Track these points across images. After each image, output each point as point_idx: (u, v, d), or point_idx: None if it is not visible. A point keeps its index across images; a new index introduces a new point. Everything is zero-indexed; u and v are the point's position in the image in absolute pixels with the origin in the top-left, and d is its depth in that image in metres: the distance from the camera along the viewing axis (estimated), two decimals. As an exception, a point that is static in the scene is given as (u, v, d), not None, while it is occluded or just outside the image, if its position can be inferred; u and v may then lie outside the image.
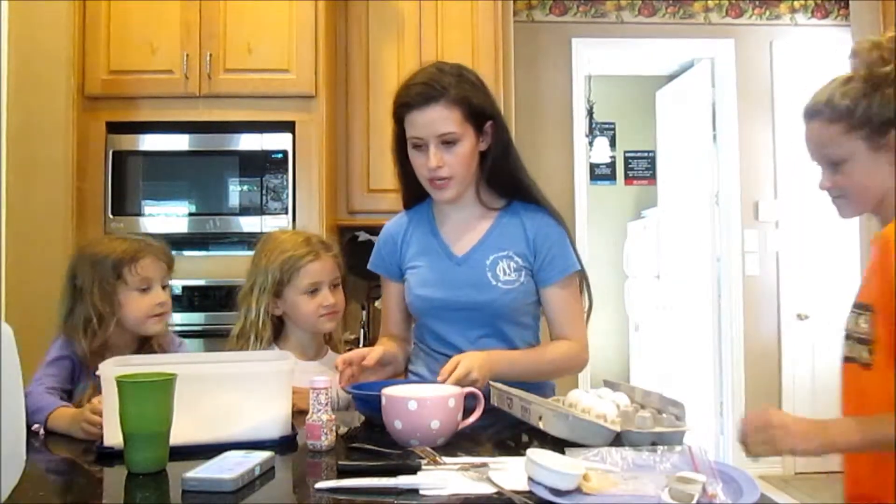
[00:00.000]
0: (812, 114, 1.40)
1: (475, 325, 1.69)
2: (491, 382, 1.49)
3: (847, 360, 1.38)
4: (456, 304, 1.69)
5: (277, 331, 1.83)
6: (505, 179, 1.73)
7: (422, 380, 1.71)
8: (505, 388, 1.46)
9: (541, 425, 1.29)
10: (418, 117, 1.62)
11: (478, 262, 1.70)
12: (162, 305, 1.72)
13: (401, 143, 1.71)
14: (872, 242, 1.37)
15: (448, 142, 1.62)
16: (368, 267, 1.86)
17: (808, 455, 1.36)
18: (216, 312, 2.94)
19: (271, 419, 1.38)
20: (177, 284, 2.90)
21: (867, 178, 1.37)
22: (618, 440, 1.23)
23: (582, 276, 1.76)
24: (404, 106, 1.64)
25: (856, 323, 1.35)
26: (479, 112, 1.65)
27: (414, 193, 1.79)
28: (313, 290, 1.78)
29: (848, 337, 1.38)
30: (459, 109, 1.62)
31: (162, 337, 1.78)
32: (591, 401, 1.36)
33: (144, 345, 1.75)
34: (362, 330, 3.46)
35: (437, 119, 1.61)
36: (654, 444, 1.19)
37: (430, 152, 1.62)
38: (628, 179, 6.61)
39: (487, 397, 1.44)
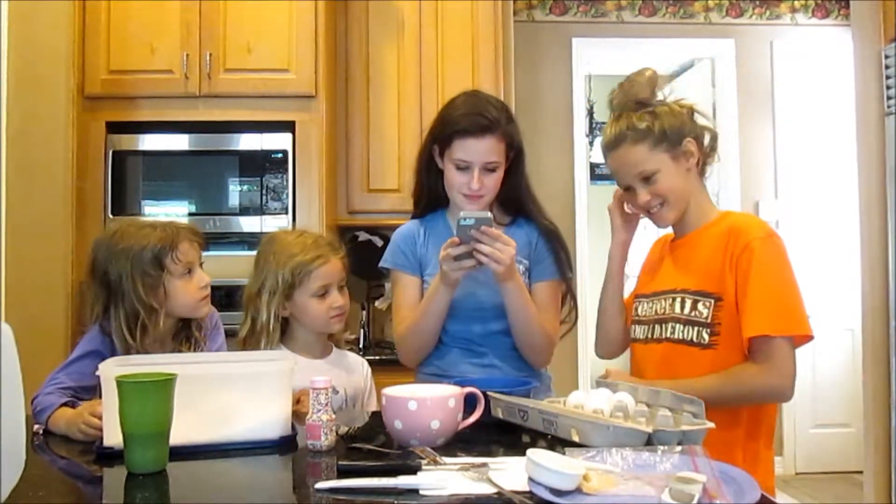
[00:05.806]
0: (615, 143, 1.64)
1: (491, 321, 1.85)
2: (492, 395, 1.47)
3: (673, 341, 1.57)
4: (479, 306, 1.84)
5: (282, 331, 1.83)
6: (518, 201, 1.92)
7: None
8: (518, 400, 1.43)
9: (576, 439, 1.25)
10: (473, 144, 1.78)
11: None
12: (206, 287, 1.69)
13: (430, 157, 1.87)
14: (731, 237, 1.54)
15: (490, 168, 1.79)
16: (382, 265, 1.93)
17: None
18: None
19: (271, 419, 1.38)
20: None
21: (678, 183, 1.61)
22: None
23: (568, 289, 1.94)
24: (460, 132, 1.78)
25: (692, 308, 1.55)
26: (515, 145, 1.86)
27: (429, 204, 1.95)
28: (323, 293, 1.78)
29: (674, 320, 1.57)
30: (504, 142, 1.81)
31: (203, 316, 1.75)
32: (598, 401, 1.36)
33: (184, 325, 1.72)
34: (362, 330, 3.45)
35: (489, 149, 1.79)
36: (680, 443, 1.17)
37: (475, 175, 1.79)
38: (628, 179, 6.59)
39: (487, 399, 1.44)
